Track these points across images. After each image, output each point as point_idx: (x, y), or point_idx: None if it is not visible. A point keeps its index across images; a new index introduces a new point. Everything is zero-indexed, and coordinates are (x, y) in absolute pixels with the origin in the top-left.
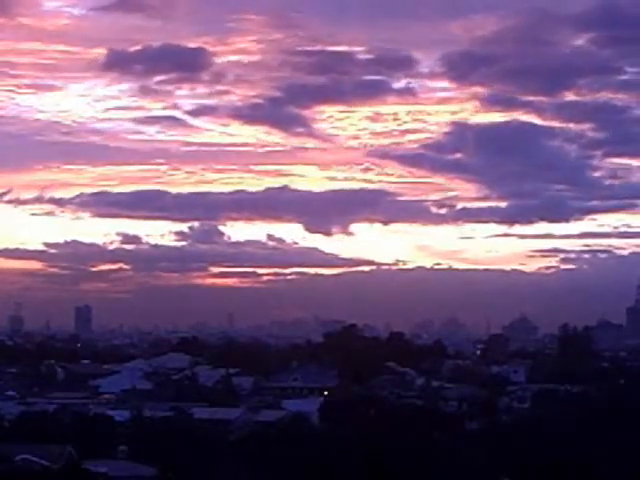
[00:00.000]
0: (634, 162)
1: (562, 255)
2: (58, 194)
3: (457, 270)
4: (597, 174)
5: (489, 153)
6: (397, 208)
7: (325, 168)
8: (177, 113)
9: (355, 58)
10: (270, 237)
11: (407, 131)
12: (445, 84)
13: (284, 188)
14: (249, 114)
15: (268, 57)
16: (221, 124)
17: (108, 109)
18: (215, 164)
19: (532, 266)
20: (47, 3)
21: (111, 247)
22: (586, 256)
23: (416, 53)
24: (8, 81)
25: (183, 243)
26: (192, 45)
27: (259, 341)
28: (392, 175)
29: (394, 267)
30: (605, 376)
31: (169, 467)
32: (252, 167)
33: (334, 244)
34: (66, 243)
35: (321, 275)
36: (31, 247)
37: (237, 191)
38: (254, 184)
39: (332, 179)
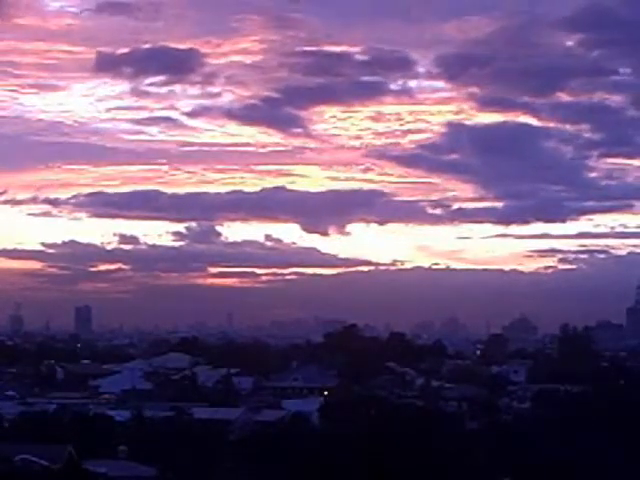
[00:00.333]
0: (630, 162)
1: (560, 255)
2: (55, 194)
3: (455, 270)
4: (593, 175)
5: (485, 154)
6: (394, 208)
7: (323, 168)
8: (175, 114)
9: (352, 59)
10: (268, 237)
11: (404, 132)
12: (441, 85)
13: (281, 188)
14: (247, 115)
15: (267, 58)
16: (220, 125)
17: (109, 109)
18: (215, 164)
19: (530, 266)
20: (51, 3)
21: (109, 247)
22: (584, 256)
23: (413, 54)
24: (11, 81)
25: (181, 243)
26: (191, 46)
27: (259, 341)
28: (390, 175)
29: (392, 267)
30: (605, 376)
31: (169, 467)
32: (251, 167)
33: (332, 244)
34: (64, 243)
35: (320, 275)
36: (29, 247)
37: (234, 191)
38: (252, 184)
39: (330, 179)
